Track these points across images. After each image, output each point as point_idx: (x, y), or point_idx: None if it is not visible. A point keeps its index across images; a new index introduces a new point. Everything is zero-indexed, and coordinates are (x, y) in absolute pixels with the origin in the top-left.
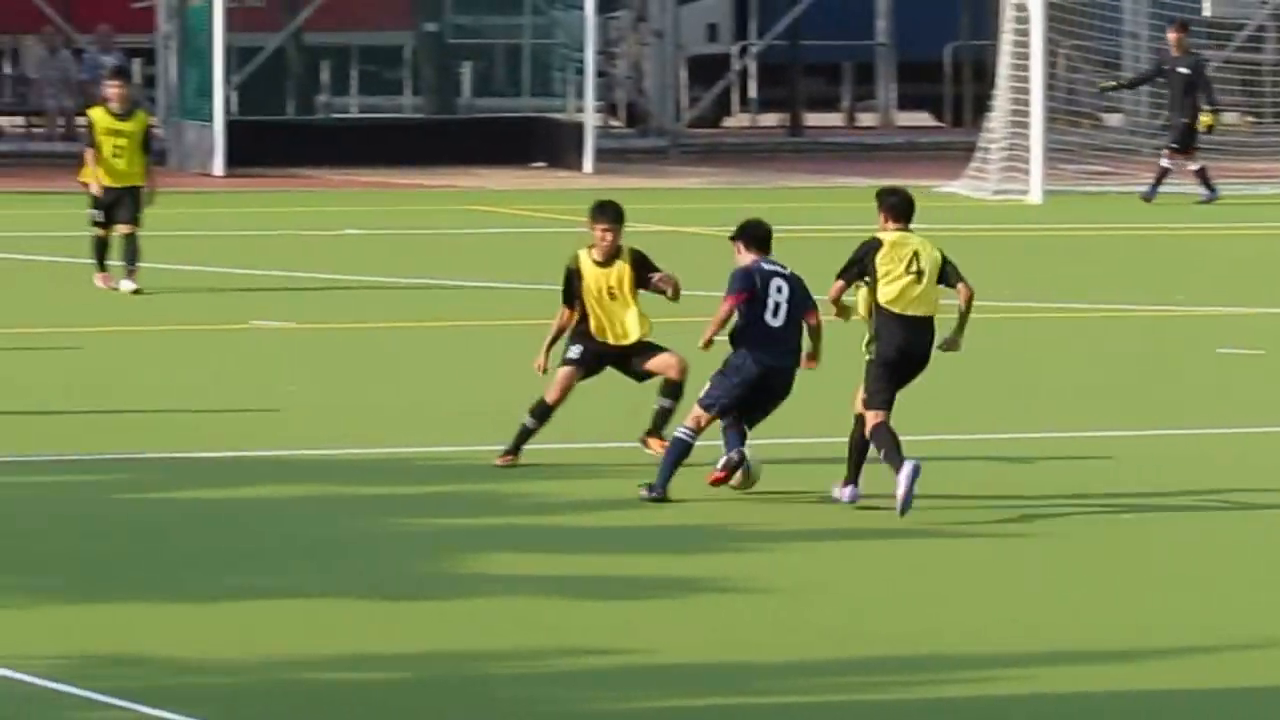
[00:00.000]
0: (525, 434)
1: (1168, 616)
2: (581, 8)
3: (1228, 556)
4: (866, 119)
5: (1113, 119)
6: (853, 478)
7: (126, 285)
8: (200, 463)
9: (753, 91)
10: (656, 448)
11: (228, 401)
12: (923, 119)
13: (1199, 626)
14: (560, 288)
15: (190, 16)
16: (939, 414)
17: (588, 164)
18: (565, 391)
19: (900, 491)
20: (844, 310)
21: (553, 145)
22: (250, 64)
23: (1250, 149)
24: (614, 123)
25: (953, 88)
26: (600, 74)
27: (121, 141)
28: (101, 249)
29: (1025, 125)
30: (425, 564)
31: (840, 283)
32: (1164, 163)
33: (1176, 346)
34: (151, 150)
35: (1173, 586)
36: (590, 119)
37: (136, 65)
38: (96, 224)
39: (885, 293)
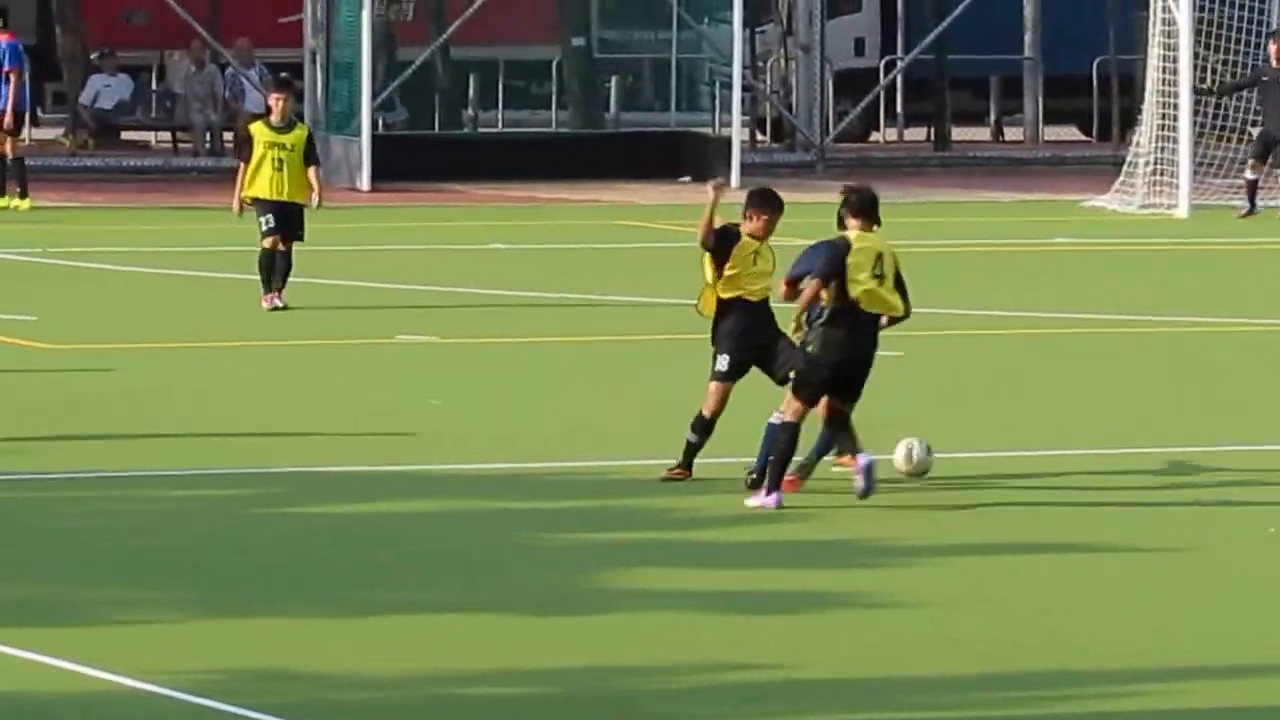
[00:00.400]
0: (692, 449)
1: None
2: (729, 22)
3: None
4: (1013, 133)
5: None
6: (851, 450)
7: (273, 301)
8: (345, 477)
9: (899, 106)
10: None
11: (372, 416)
12: (1070, 133)
13: None
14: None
15: (337, 31)
16: (1088, 427)
17: (735, 179)
18: (722, 403)
19: (751, 502)
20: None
21: (699, 160)
22: (398, 79)
23: None
24: (761, 138)
25: (1100, 102)
26: (747, 89)
27: (283, 155)
28: (268, 266)
29: (1173, 140)
30: (571, 579)
31: (816, 282)
32: (1249, 175)
33: None
34: (318, 161)
35: None
36: (737, 134)
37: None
38: (267, 234)
39: (852, 291)
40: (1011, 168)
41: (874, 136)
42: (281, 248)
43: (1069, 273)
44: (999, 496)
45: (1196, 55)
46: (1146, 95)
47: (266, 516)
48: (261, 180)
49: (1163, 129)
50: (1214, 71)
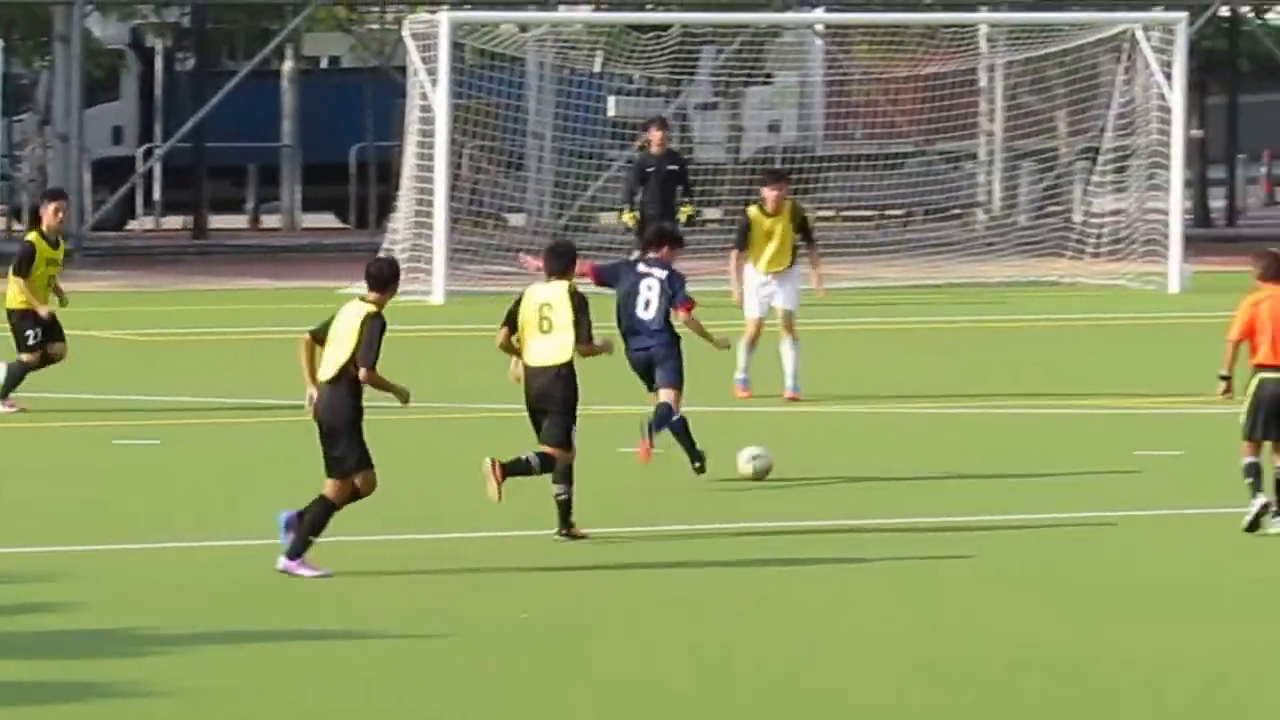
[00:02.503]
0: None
1: None
2: None
3: None
4: (272, 221)
5: (516, 219)
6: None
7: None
8: None
9: (158, 194)
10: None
11: None
12: (328, 220)
13: None
14: None
15: None
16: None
17: None
18: None
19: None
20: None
21: None
22: None
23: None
24: (18, 226)
25: (358, 190)
26: (3, 177)
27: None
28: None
29: (429, 226)
30: None
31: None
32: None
33: None
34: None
35: None
36: None
37: None
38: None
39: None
40: (269, 255)
41: (132, 225)
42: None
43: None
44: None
45: (454, 141)
46: (403, 182)
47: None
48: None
49: (419, 216)
50: (471, 157)
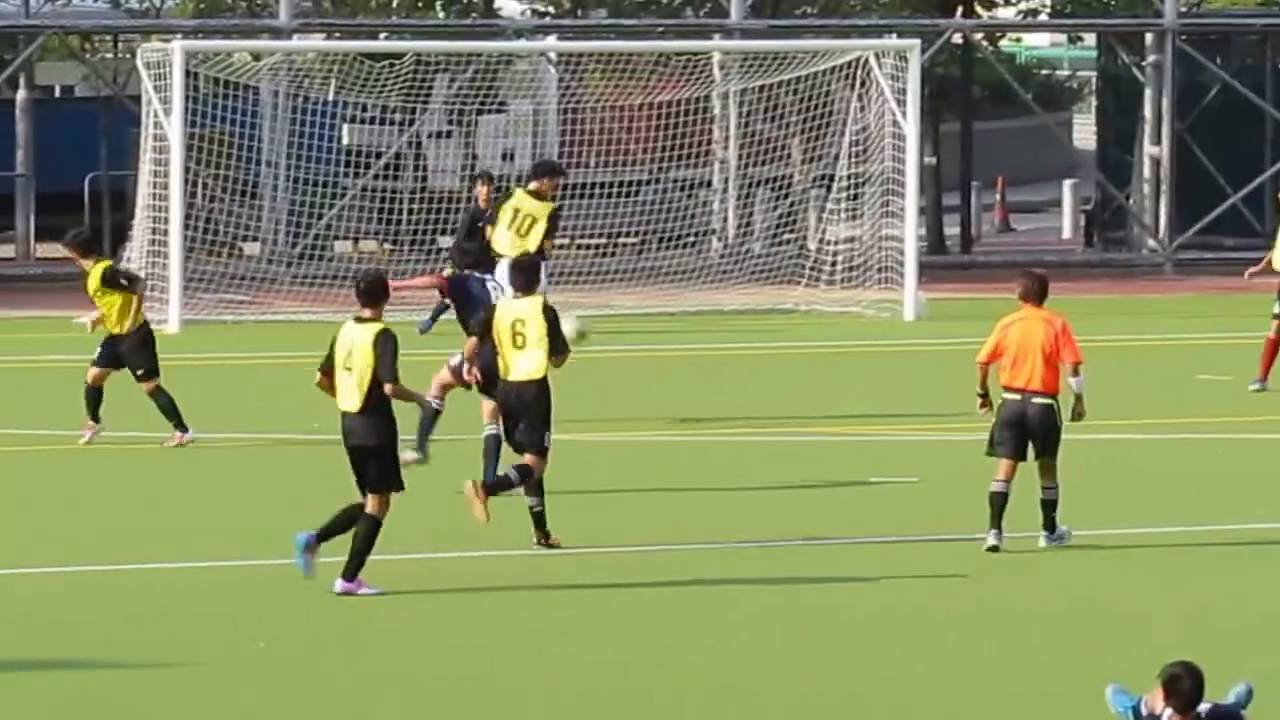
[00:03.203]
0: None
1: None
2: None
3: None
4: (5, 250)
5: (252, 248)
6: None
7: None
8: None
9: None
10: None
11: None
12: (63, 250)
13: None
14: None
15: None
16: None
17: None
18: None
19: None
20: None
21: None
22: None
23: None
24: None
25: (92, 219)
26: None
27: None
28: None
29: (164, 255)
30: None
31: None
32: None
33: None
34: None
35: None
36: None
37: None
38: None
39: None
40: (3, 285)
41: None
42: None
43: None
44: None
45: (189, 170)
46: (138, 211)
47: None
48: None
49: (154, 244)
50: (205, 186)
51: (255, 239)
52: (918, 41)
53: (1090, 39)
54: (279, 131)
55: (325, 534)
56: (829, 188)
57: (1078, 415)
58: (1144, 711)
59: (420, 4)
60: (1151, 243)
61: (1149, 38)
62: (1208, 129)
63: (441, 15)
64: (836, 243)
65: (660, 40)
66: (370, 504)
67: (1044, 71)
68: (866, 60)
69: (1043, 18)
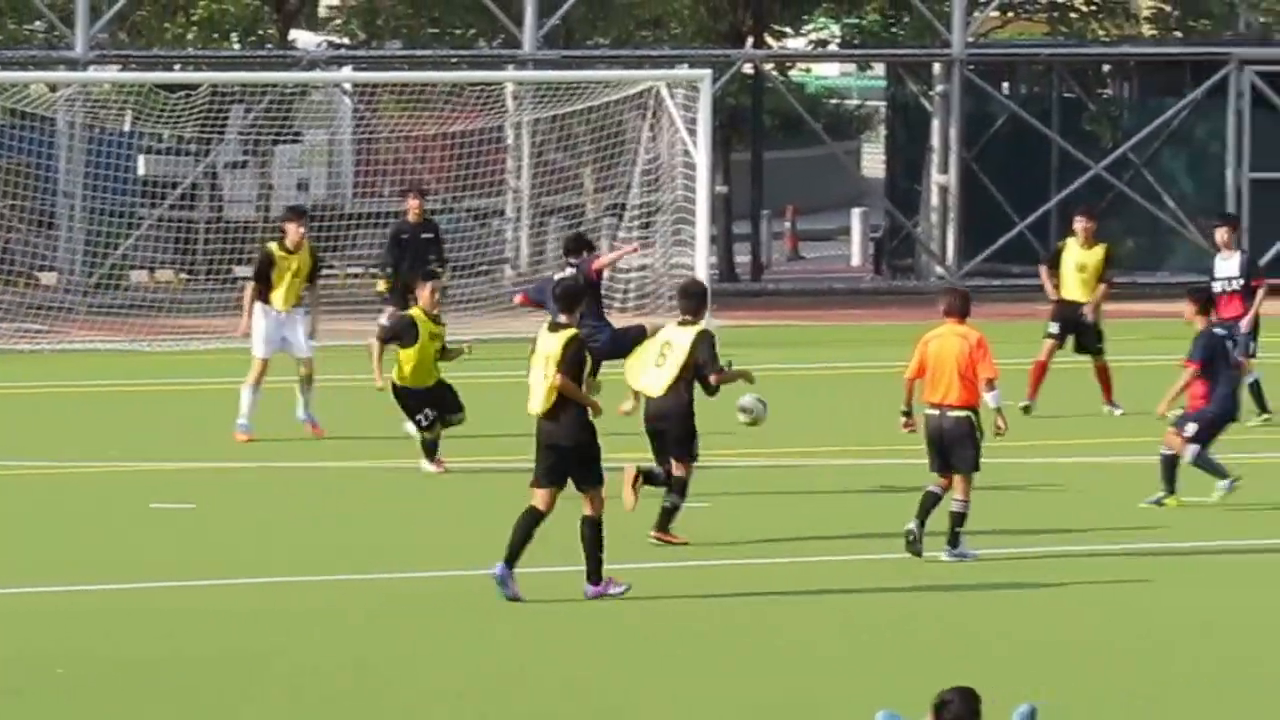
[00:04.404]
0: None
1: None
2: None
3: None
4: None
5: (48, 278)
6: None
7: None
8: None
9: None
10: None
11: None
12: None
13: None
14: None
15: None
16: None
17: None
18: None
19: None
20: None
21: None
22: None
23: (183, 305)
24: None
25: None
26: None
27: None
28: None
29: None
30: None
31: None
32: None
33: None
34: None
35: None
36: None
37: None
38: None
39: None
40: None
41: None
42: None
43: None
44: None
45: None
46: None
47: None
48: None
49: None
50: (2, 216)
51: (52, 269)
52: (709, 72)
53: (880, 68)
54: (75, 162)
55: (512, 556)
56: (621, 216)
57: (998, 430)
58: None
59: (215, 35)
60: (939, 270)
61: (936, 68)
62: (995, 157)
63: (237, 46)
64: (628, 271)
65: (454, 70)
66: (584, 505)
67: (833, 101)
68: (658, 90)
69: (832, 48)
